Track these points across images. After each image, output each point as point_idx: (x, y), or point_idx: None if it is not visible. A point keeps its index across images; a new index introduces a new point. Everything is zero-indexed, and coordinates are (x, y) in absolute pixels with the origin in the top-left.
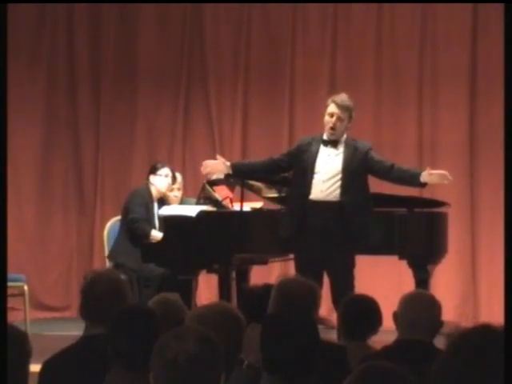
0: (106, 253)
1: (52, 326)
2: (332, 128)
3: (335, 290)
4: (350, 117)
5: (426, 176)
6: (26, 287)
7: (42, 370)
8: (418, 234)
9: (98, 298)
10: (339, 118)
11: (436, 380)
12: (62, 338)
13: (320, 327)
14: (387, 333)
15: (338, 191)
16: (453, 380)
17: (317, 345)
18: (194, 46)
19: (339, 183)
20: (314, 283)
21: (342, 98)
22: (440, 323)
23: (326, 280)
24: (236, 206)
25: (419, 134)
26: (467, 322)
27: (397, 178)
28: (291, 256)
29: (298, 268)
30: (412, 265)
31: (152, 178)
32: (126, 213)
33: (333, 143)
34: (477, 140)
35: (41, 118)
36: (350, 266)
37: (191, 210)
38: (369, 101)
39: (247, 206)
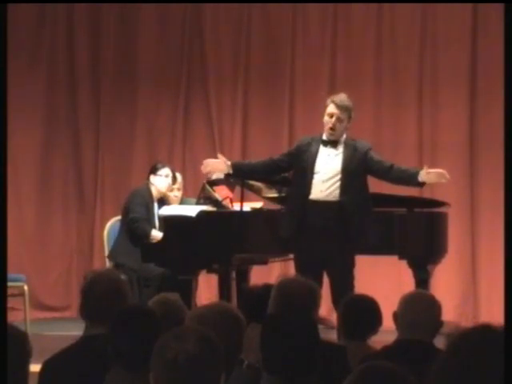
0: (106, 253)
1: (52, 326)
2: (331, 128)
3: (335, 290)
4: (350, 117)
5: (423, 175)
6: (26, 287)
7: (42, 370)
8: (417, 234)
9: (98, 298)
10: (339, 119)
11: (436, 380)
12: (62, 337)
13: (320, 327)
14: (387, 333)
15: (337, 191)
16: (453, 380)
17: (317, 345)
18: (193, 46)
19: (339, 183)
20: (313, 283)
21: (342, 98)
22: (440, 323)
23: (325, 280)
24: (236, 206)
25: (419, 134)
26: (467, 322)
27: (396, 178)
28: (291, 256)
29: (298, 268)
30: (412, 265)
31: (152, 178)
32: (126, 213)
33: (332, 143)
34: (477, 140)
35: (41, 118)
36: (350, 265)
37: (191, 210)
38: (369, 101)
39: (247, 206)
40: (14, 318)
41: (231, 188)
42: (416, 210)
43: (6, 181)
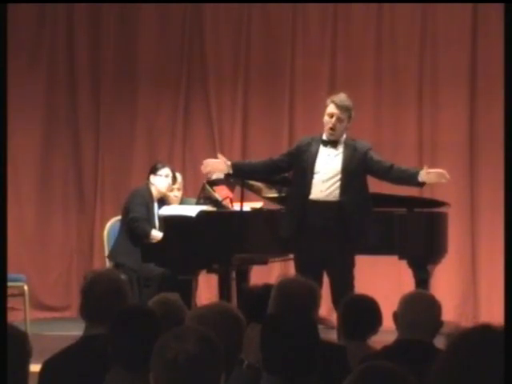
0: (106, 253)
1: (52, 326)
2: (331, 128)
3: (335, 290)
4: (350, 117)
5: (423, 175)
6: (26, 287)
7: (42, 370)
8: (417, 234)
9: (98, 297)
10: (339, 119)
11: (436, 380)
12: (62, 337)
13: (320, 327)
14: (387, 333)
15: (337, 191)
16: (453, 380)
17: (317, 345)
18: (193, 46)
19: (339, 183)
20: (314, 283)
21: (341, 98)
22: (440, 323)
23: (325, 280)
24: (236, 206)
25: (419, 134)
26: (467, 322)
27: (396, 178)
28: (291, 256)
29: (298, 268)
30: (412, 265)
31: (152, 178)
32: (126, 212)
33: (332, 143)
34: (477, 140)
35: (41, 118)
36: (350, 265)
37: (191, 210)
38: (369, 101)
39: (247, 206)
40: (13, 317)
41: (231, 188)
42: (416, 209)
43: (6, 181)
